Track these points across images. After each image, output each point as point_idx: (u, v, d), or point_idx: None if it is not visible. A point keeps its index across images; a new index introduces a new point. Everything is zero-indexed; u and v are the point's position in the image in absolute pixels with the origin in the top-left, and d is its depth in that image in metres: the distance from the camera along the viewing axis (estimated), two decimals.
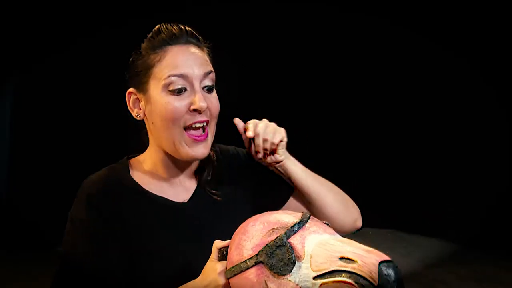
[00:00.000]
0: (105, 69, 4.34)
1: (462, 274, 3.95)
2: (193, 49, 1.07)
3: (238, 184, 1.19)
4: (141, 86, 1.07)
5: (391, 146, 5.12)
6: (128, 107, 1.10)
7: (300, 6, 4.95)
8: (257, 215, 0.92)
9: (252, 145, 1.15)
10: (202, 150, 1.06)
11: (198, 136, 1.05)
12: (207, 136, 1.07)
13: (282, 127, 1.16)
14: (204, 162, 1.16)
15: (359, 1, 4.99)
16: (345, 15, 4.97)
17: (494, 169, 4.58)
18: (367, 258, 0.73)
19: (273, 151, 1.13)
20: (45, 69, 4.51)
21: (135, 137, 1.17)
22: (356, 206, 1.23)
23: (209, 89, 1.07)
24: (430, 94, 4.92)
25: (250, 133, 1.12)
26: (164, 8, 4.28)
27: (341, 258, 0.75)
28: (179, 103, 1.03)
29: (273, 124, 1.13)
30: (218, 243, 0.96)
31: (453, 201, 4.75)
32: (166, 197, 1.09)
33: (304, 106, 5.18)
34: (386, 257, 0.74)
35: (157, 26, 1.09)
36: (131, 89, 1.09)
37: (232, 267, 0.86)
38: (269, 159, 1.15)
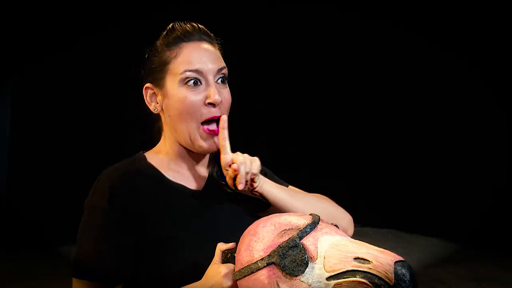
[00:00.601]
0: (105, 69, 4.36)
1: (462, 274, 3.96)
2: (206, 46, 1.12)
3: None
4: (158, 81, 1.12)
5: (391, 146, 5.13)
6: (146, 101, 1.15)
7: (299, 6, 4.96)
8: (265, 217, 0.91)
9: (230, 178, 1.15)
10: (215, 144, 1.10)
11: (213, 130, 1.09)
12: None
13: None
14: (216, 153, 1.19)
15: (359, 1, 4.99)
16: (345, 15, 4.97)
17: (494, 169, 4.58)
18: (382, 258, 0.73)
19: (251, 180, 1.13)
20: (44, 69, 4.51)
21: (148, 131, 1.20)
22: (346, 216, 1.21)
23: (222, 82, 1.12)
24: (430, 94, 4.92)
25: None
26: (163, 8, 4.28)
27: (356, 259, 0.75)
28: (195, 97, 1.07)
29: (247, 155, 1.13)
30: (221, 246, 0.96)
31: (453, 201, 4.76)
32: (183, 184, 1.13)
33: (304, 106, 5.18)
34: (400, 258, 0.74)
35: (171, 24, 1.14)
36: (148, 84, 1.14)
37: (242, 269, 0.85)
38: (247, 188, 1.14)
